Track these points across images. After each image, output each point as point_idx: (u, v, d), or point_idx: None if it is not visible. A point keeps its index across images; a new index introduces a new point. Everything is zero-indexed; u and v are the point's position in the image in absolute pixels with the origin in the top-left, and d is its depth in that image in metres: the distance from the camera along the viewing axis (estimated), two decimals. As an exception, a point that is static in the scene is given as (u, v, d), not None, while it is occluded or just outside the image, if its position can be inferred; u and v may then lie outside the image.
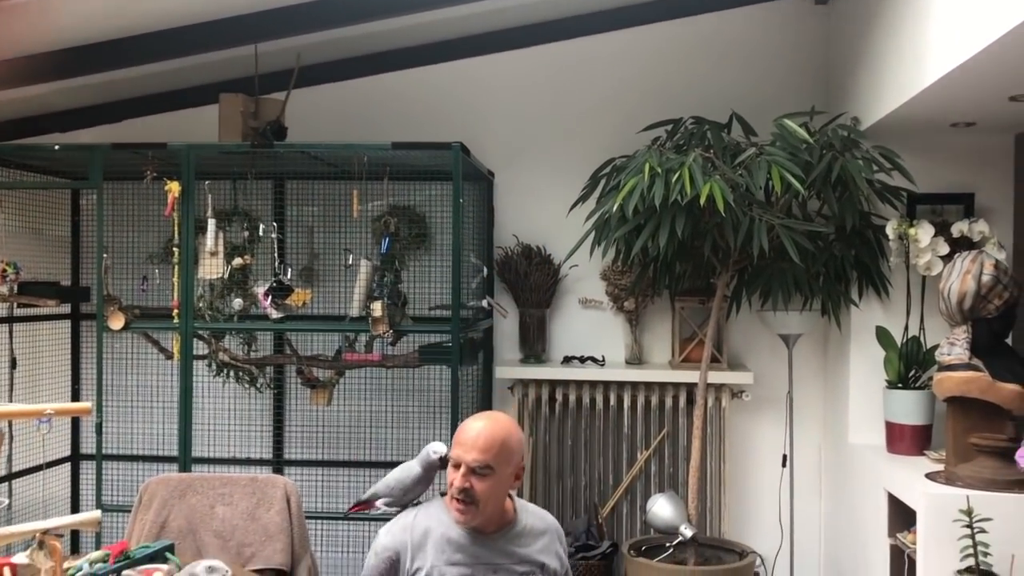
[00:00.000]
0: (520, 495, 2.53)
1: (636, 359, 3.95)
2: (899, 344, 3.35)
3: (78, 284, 4.12)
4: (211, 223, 3.44)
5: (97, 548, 2.43)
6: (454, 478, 2.15)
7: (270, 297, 3.39)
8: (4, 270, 3.44)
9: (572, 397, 3.89)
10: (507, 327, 4.06)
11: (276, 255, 3.59)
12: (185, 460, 3.39)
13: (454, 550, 2.17)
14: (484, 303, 3.83)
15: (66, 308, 4.13)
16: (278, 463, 4.06)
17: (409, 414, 3.98)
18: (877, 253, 3.41)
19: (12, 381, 3.72)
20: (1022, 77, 2.46)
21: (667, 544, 3.40)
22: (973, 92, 2.67)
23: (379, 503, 2.42)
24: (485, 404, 4.00)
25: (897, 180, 3.27)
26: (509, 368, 3.89)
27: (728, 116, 3.49)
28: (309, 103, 3.84)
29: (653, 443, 3.87)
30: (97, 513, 2.25)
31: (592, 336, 4.02)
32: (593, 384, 3.88)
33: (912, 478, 2.85)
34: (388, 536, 2.21)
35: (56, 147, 3.44)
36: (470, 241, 3.78)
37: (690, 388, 3.79)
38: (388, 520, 2.29)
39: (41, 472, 3.57)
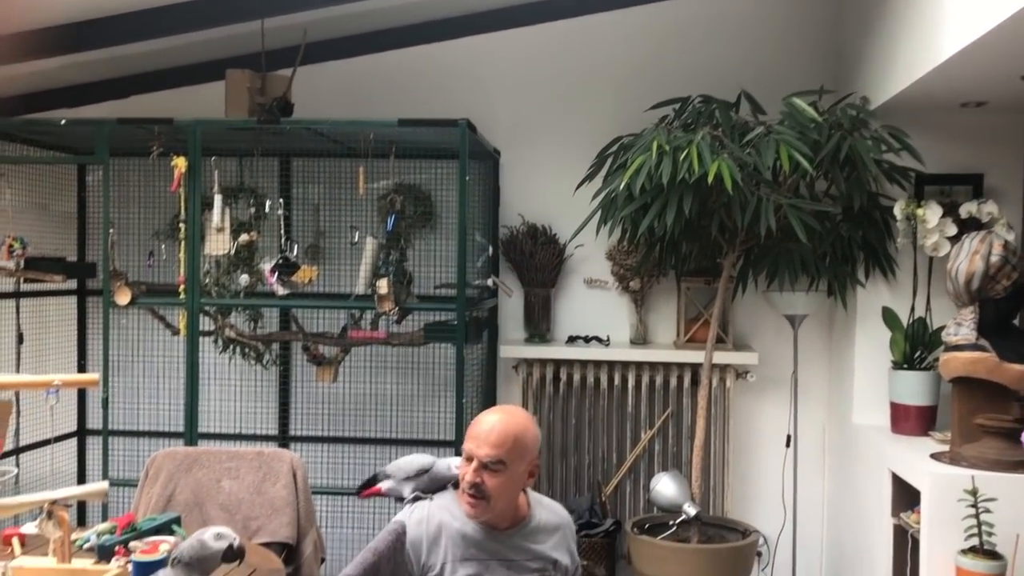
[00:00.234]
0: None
1: (641, 339, 3.95)
2: (905, 325, 3.34)
3: (84, 260, 4.13)
4: (217, 199, 3.43)
5: (104, 521, 2.44)
6: (466, 471, 2.11)
7: (276, 274, 3.39)
8: (11, 245, 3.45)
9: (576, 377, 3.89)
10: (512, 306, 4.06)
11: (282, 232, 3.59)
12: (191, 435, 3.41)
13: (468, 545, 2.14)
14: (489, 282, 3.83)
15: (72, 284, 4.14)
16: (284, 439, 4.07)
17: (414, 392, 3.99)
18: (884, 234, 3.40)
19: (19, 356, 3.73)
20: (1034, 56, 2.45)
21: (670, 522, 3.41)
22: (985, 70, 2.65)
23: (382, 485, 2.40)
24: (489, 383, 4.01)
25: (905, 160, 3.25)
26: (514, 347, 3.89)
27: (737, 95, 3.47)
28: (315, 81, 3.83)
29: (657, 423, 3.88)
30: (104, 484, 2.27)
31: (597, 316, 4.02)
32: (597, 364, 3.88)
33: (917, 458, 2.86)
34: (407, 523, 2.16)
35: (62, 122, 3.43)
36: (475, 220, 3.77)
37: (695, 368, 3.79)
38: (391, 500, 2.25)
39: (49, 447, 3.58)
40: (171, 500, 2.82)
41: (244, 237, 3.49)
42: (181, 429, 3.50)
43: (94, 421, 4.16)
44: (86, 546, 2.24)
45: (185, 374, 3.43)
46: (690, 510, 3.34)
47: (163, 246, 3.69)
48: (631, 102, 3.76)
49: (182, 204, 3.38)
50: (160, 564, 1.86)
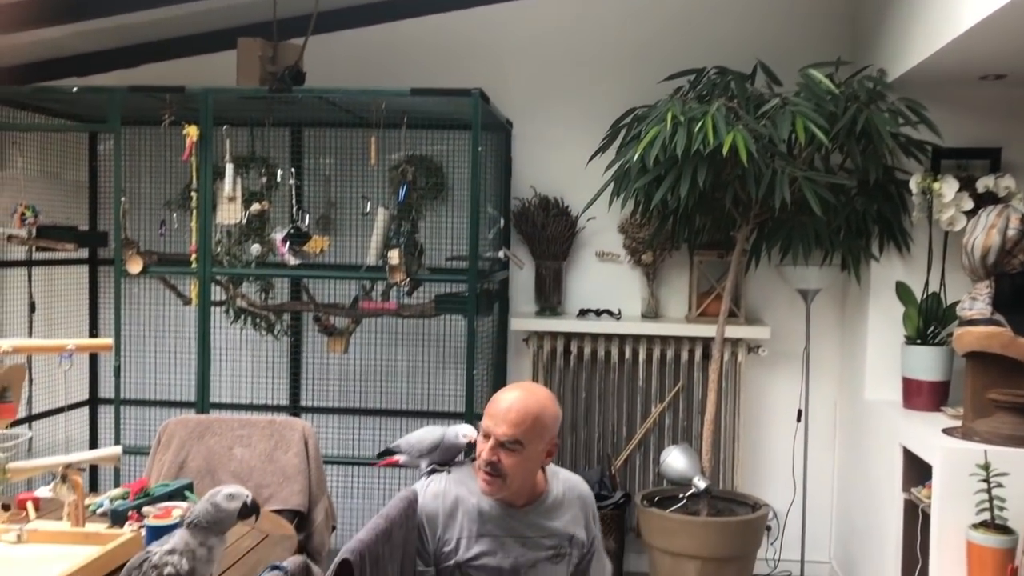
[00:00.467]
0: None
1: (652, 313, 3.94)
2: (919, 300, 3.32)
3: (96, 229, 4.13)
4: (229, 168, 3.42)
5: (116, 488, 2.45)
6: (483, 449, 2.07)
7: (288, 244, 3.39)
8: (23, 213, 3.45)
9: (587, 350, 3.89)
10: (523, 279, 4.05)
11: (294, 202, 3.58)
12: (203, 404, 3.42)
13: (484, 521, 2.12)
14: (500, 254, 3.82)
15: (84, 253, 4.14)
16: (295, 410, 4.08)
17: (424, 364, 3.99)
18: (899, 208, 3.37)
19: (31, 325, 3.74)
20: (1057, 26, 2.41)
21: (680, 496, 3.42)
22: (1005, 43, 2.61)
23: (399, 457, 2.39)
24: (500, 356, 4.01)
25: (922, 134, 3.22)
26: (524, 320, 3.89)
27: (752, 66, 3.43)
28: (327, 50, 3.80)
29: (668, 396, 3.87)
30: (118, 449, 2.28)
31: (608, 289, 4.01)
32: (608, 337, 3.87)
33: (929, 433, 2.85)
34: (423, 497, 2.15)
35: (74, 89, 3.41)
36: (487, 191, 3.75)
37: (706, 342, 3.78)
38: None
39: (62, 415, 3.60)
40: (183, 467, 2.83)
41: (256, 207, 3.49)
42: (192, 399, 3.52)
43: (106, 390, 4.18)
44: (99, 511, 2.26)
45: (197, 344, 3.44)
46: (700, 483, 3.34)
47: (175, 215, 3.69)
48: (645, 73, 3.73)
49: (194, 173, 3.38)
50: (173, 528, 1.87)
